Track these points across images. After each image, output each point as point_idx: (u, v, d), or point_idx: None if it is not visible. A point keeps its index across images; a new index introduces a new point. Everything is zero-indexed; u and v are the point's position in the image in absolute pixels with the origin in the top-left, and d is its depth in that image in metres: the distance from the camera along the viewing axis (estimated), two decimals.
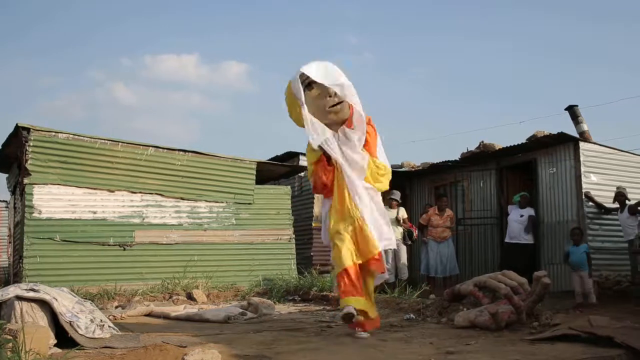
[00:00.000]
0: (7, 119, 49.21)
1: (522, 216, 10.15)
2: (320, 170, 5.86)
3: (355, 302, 5.48)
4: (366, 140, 5.85)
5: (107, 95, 51.55)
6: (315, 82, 5.59)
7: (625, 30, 38.79)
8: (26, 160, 9.21)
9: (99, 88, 51.13)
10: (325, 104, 5.64)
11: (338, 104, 5.66)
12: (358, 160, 5.77)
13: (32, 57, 49.18)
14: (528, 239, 10.09)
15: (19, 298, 4.71)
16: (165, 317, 7.35)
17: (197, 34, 49.29)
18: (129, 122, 53.51)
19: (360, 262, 5.68)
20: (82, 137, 9.67)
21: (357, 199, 5.70)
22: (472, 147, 12.41)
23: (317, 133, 5.66)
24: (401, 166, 14.23)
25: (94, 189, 9.73)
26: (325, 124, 5.74)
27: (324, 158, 5.83)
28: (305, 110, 5.64)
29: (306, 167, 6.80)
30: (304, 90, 5.64)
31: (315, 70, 5.57)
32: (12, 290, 4.81)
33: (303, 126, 5.71)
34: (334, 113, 5.69)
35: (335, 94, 5.61)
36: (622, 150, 10.31)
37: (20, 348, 3.72)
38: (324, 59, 5.82)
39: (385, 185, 6.07)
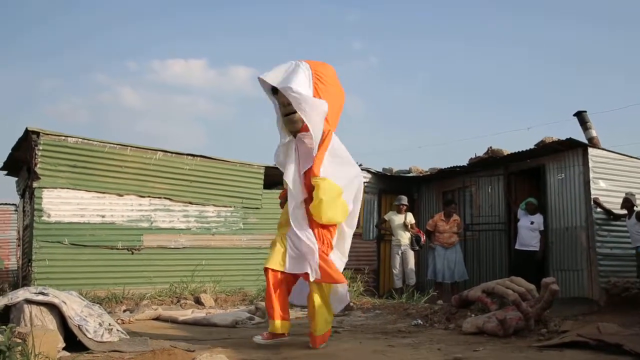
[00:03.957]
0: (11, 122, 49.44)
1: (532, 223, 10.13)
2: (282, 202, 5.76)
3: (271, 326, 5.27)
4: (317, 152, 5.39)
5: (113, 98, 51.77)
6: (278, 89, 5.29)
7: (636, 35, 38.66)
8: (35, 164, 9.26)
9: (105, 92, 51.36)
10: (283, 111, 5.37)
11: (292, 113, 5.28)
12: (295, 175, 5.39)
13: (35, 60, 49.45)
14: (536, 246, 10.09)
15: (28, 301, 4.73)
16: (173, 321, 7.36)
17: (206, 39, 49.51)
18: (135, 126, 53.74)
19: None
20: (91, 141, 9.72)
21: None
22: (480, 152, 12.40)
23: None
24: (409, 171, 14.23)
25: (103, 193, 9.76)
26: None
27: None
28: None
29: None
30: (272, 94, 5.44)
31: (273, 75, 5.29)
32: (21, 294, 4.83)
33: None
34: (289, 123, 5.37)
35: (288, 104, 5.22)
36: (631, 157, 10.27)
37: (30, 351, 3.74)
38: (332, 64, 5.66)
39: (324, 216, 5.31)
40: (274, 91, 5.35)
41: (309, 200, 5.34)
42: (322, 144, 5.36)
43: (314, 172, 5.29)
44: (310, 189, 5.32)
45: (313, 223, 5.33)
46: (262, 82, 5.40)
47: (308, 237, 5.28)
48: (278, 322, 5.22)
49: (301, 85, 5.18)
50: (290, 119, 5.31)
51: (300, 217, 5.38)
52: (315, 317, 5.28)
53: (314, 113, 5.20)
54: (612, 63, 40.13)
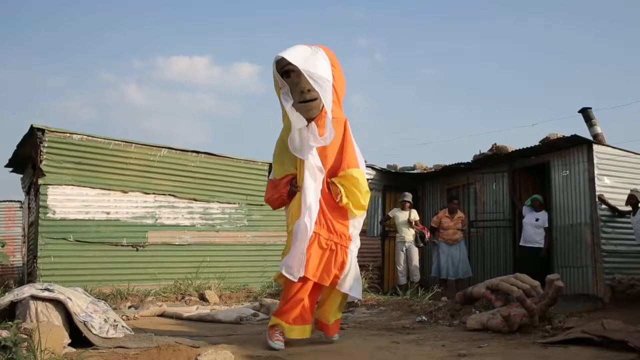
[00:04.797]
0: (17, 119, 49.47)
1: (537, 220, 10.11)
2: (282, 188, 5.46)
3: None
4: (342, 147, 5.34)
5: (118, 96, 51.75)
6: (292, 71, 5.04)
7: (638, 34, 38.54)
8: (41, 161, 9.29)
9: (110, 89, 51.34)
10: (297, 98, 5.09)
11: (310, 100, 5.07)
12: (318, 162, 5.25)
13: (40, 57, 49.43)
14: (541, 243, 10.08)
15: (34, 298, 4.75)
16: (178, 317, 7.39)
17: (209, 36, 49.39)
18: (140, 123, 53.70)
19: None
20: (96, 138, 9.75)
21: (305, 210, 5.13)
22: (485, 149, 12.36)
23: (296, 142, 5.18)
24: (413, 168, 14.20)
25: (108, 189, 9.80)
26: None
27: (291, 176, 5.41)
28: (287, 110, 5.15)
29: None
30: (283, 78, 5.13)
31: (293, 56, 5.00)
32: (27, 290, 4.85)
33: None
34: (304, 110, 5.11)
35: (309, 90, 5.00)
36: (635, 153, 10.23)
37: (36, 347, 3.75)
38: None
39: (363, 206, 5.39)
40: (286, 74, 5.11)
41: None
42: (345, 133, 5.35)
43: (350, 164, 5.29)
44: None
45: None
46: (276, 64, 5.14)
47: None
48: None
49: (328, 74, 5.10)
50: (308, 105, 5.10)
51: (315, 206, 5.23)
52: (327, 304, 5.38)
53: (327, 95, 5.13)
54: (619, 60, 39.99)
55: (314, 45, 5.24)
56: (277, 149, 5.60)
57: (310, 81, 4.96)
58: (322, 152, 5.25)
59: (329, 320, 5.40)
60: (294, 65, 4.98)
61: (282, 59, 5.02)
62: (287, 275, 5.08)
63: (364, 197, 5.32)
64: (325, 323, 5.42)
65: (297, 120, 5.12)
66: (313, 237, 5.16)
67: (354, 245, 5.42)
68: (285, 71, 5.10)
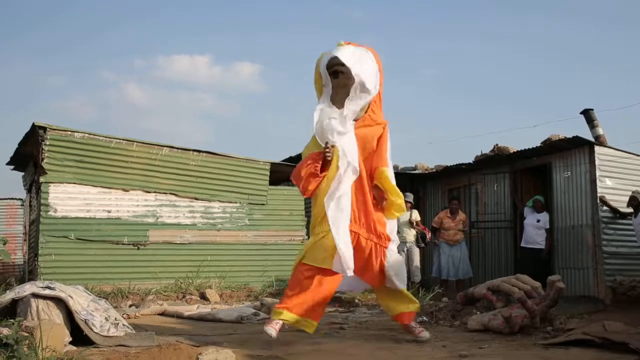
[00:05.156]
0: (18, 117, 49.49)
1: (538, 221, 10.10)
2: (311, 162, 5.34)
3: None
4: (375, 147, 5.45)
5: (118, 95, 51.76)
6: (342, 72, 5.22)
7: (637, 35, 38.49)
8: (42, 159, 9.29)
9: (111, 88, 51.32)
10: (344, 98, 5.27)
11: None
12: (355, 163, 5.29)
13: (41, 56, 49.42)
14: (542, 244, 10.06)
15: (35, 295, 4.75)
16: (179, 316, 7.39)
17: (209, 35, 49.37)
18: (140, 123, 53.70)
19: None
20: (97, 137, 9.75)
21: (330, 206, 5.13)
22: (487, 150, 12.35)
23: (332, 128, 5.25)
24: (415, 168, 14.20)
25: (109, 188, 9.80)
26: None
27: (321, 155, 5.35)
28: (322, 105, 5.37)
29: None
30: (330, 76, 5.33)
31: (352, 62, 5.21)
32: (28, 288, 4.85)
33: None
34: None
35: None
36: (637, 155, 10.22)
37: (37, 345, 3.76)
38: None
39: (396, 210, 5.45)
40: (335, 74, 5.30)
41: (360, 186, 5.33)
42: (383, 135, 5.49)
43: (380, 163, 5.40)
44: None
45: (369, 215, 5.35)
46: (323, 59, 5.36)
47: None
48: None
49: (375, 84, 5.36)
50: None
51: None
52: (401, 295, 5.48)
53: (361, 100, 5.35)
54: (621, 61, 39.97)
55: (359, 46, 5.43)
56: (310, 144, 5.58)
57: (352, 92, 5.23)
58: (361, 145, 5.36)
59: (397, 311, 5.52)
60: (347, 67, 5.20)
61: (335, 57, 5.21)
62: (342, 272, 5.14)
63: (398, 196, 5.40)
64: (396, 315, 5.56)
65: (329, 110, 5.31)
66: (352, 237, 5.20)
67: (394, 244, 5.49)
68: (334, 71, 5.28)
